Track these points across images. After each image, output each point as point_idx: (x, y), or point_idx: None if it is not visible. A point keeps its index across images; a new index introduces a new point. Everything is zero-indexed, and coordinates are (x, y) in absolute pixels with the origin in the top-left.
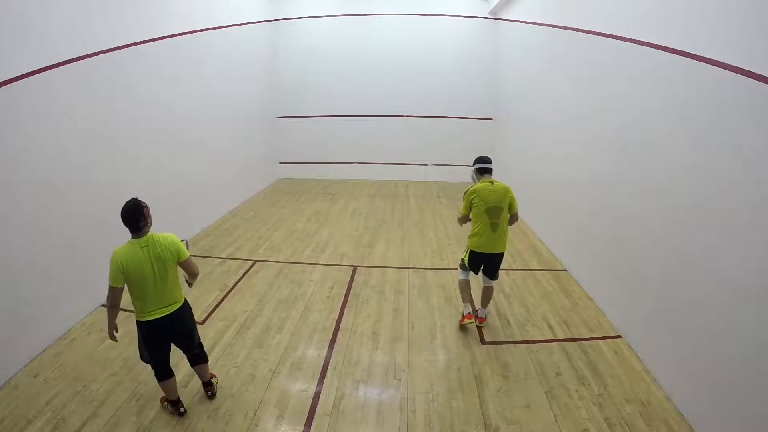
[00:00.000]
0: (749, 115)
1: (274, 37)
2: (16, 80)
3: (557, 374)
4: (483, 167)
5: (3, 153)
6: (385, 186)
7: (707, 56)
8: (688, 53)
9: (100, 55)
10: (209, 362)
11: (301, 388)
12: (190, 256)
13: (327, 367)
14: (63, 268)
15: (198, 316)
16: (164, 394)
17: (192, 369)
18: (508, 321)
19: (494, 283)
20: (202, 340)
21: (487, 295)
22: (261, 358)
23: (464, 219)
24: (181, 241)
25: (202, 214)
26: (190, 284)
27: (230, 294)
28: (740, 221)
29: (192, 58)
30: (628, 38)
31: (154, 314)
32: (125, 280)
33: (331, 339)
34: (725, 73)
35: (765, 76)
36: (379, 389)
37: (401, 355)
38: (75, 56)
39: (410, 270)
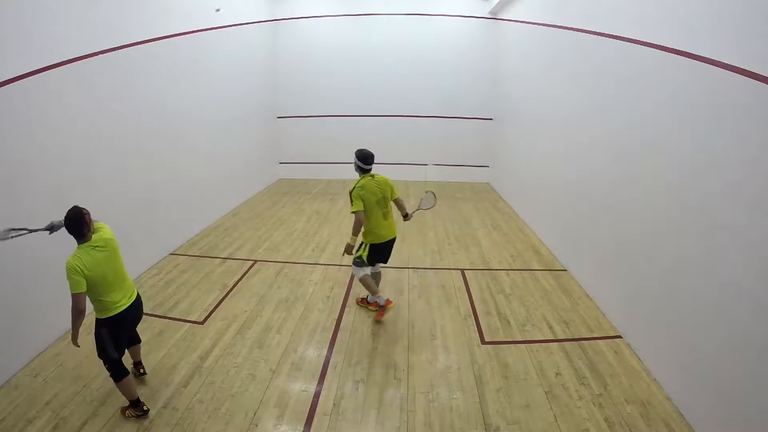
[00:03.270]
0: (749, 115)
1: (274, 37)
2: (17, 80)
3: (557, 374)
4: (364, 167)
5: (3, 153)
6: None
7: (707, 56)
8: (688, 53)
9: (100, 55)
10: None
11: (301, 388)
12: None
13: (327, 367)
14: (63, 267)
15: (198, 316)
16: (125, 401)
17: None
18: (508, 321)
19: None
20: (202, 340)
21: (378, 280)
22: (261, 358)
23: (363, 214)
24: None
25: (202, 214)
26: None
27: (230, 294)
28: (740, 221)
29: (192, 58)
30: (628, 38)
31: (122, 304)
32: (88, 284)
33: (331, 339)
34: (725, 73)
35: (765, 76)
36: (379, 389)
37: (401, 355)
38: (75, 56)
39: (410, 270)
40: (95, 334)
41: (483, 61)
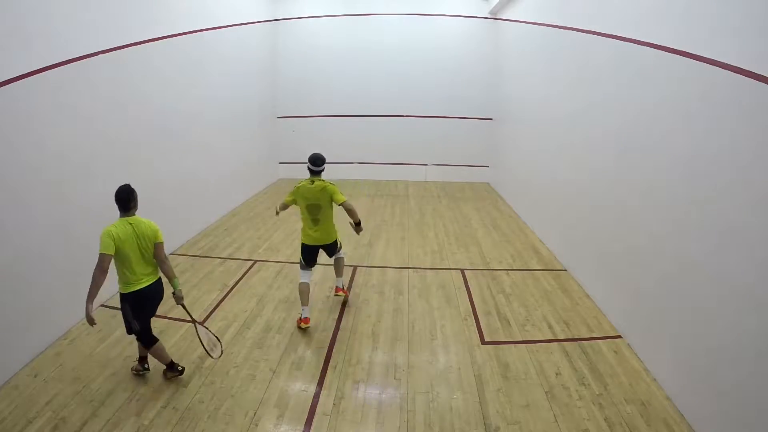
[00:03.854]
0: (749, 115)
1: (274, 37)
2: (17, 80)
3: (557, 374)
4: (311, 169)
5: (3, 153)
6: (385, 186)
7: (707, 56)
8: (688, 53)
9: (101, 55)
10: None
11: (301, 388)
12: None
13: (327, 367)
14: (63, 267)
15: (198, 315)
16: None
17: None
18: (508, 321)
19: (341, 255)
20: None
21: (338, 265)
22: (261, 358)
23: (282, 206)
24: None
25: (202, 214)
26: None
27: (230, 294)
28: (740, 221)
29: (192, 58)
30: (627, 38)
31: (141, 282)
32: (116, 249)
33: (331, 339)
34: (725, 73)
35: (765, 76)
36: (379, 389)
37: (401, 355)
38: (75, 56)
39: (410, 270)
40: (121, 310)
41: (483, 61)
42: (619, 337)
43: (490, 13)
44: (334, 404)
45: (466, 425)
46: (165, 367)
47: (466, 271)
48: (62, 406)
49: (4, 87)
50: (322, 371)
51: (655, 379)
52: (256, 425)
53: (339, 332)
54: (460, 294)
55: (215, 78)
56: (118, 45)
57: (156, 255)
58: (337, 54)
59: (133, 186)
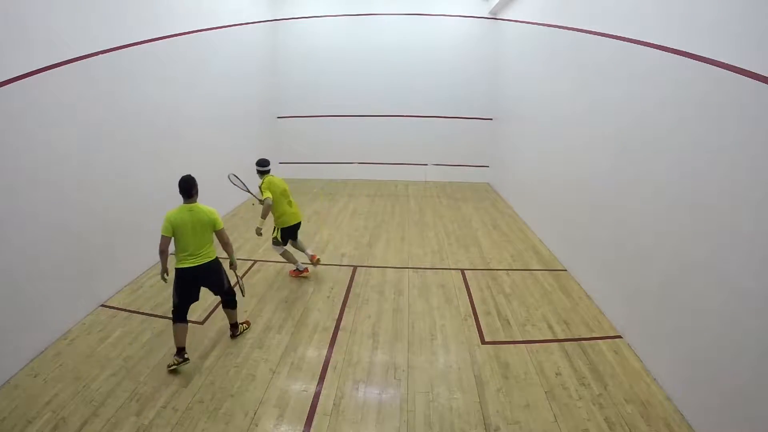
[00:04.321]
0: (749, 115)
1: (274, 37)
2: (17, 80)
3: (557, 374)
4: (264, 170)
5: (3, 153)
6: (385, 186)
7: (707, 56)
8: (688, 53)
9: (101, 55)
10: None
11: (301, 388)
12: (224, 228)
13: (327, 367)
14: (63, 268)
15: (198, 316)
16: (174, 341)
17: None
18: (508, 321)
19: (297, 240)
20: (202, 340)
21: (300, 247)
22: (261, 358)
23: (269, 207)
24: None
25: None
26: (231, 264)
27: None
28: (741, 222)
29: (192, 58)
30: (628, 38)
31: (187, 262)
32: (173, 231)
33: (331, 339)
34: (725, 73)
35: (765, 76)
36: (379, 389)
37: (401, 355)
38: (76, 56)
39: (410, 270)
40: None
41: (483, 60)
42: (619, 337)
43: (490, 13)
44: (334, 404)
45: (466, 425)
46: (175, 352)
47: (466, 271)
48: (62, 406)
49: (4, 87)
50: (322, 371)
51: (655, 379)
52: (256, 425)
53: (339, 332)
54: (460, 294)
55: (215, 78)
56: (118, 45)
57: (219, 239)
58: (337, 54)
59: (132, 185)
